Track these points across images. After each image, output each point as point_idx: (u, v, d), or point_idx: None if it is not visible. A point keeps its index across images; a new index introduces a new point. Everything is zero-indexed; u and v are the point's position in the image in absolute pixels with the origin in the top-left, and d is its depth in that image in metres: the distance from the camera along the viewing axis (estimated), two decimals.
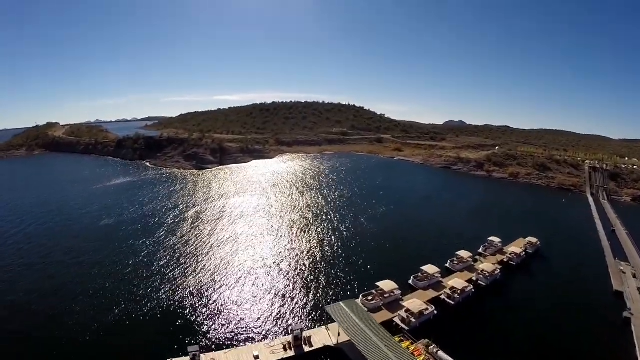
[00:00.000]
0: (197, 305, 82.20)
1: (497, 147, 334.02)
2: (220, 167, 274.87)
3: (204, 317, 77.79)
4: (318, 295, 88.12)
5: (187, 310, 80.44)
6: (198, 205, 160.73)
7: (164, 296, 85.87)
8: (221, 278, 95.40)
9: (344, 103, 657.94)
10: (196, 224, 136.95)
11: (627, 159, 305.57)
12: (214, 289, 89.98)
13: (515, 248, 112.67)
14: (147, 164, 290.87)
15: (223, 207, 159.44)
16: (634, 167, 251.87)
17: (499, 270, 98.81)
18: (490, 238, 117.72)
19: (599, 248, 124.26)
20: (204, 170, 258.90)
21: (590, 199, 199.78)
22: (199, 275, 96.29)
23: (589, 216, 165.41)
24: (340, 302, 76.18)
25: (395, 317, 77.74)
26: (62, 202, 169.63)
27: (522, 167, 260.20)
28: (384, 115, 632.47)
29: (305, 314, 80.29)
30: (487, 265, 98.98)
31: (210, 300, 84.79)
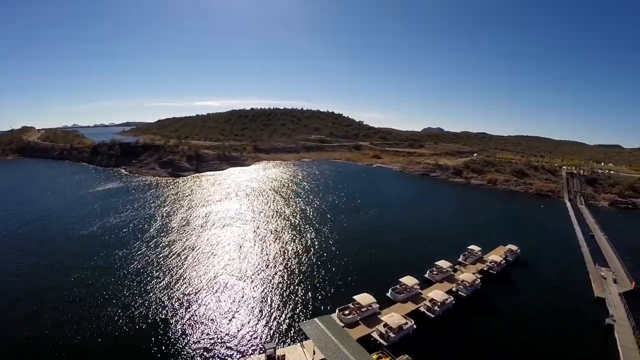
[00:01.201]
0: (163, 323, 77.11)
1: (475, 154, 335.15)
2: (196, 174, 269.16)
3: (170, 336, 72.80)
4: (293, 309, 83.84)
5: (153, 327, 75.40)
6: (169, 216, 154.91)
7: (132, 311, 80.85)
8: (190, 292, 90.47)
9: (323, 110, 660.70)
10: (167, 235, 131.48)
11: (603, 164, 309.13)
12: (182, 304, 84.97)
13: (495, 256, 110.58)
14: (123, 171, 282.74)
15: (194, 217, 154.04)
16: (611, 172, 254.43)
17: (479, 280, 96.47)
18: (470, 247, 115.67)
19: (578, 254, 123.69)
20: (180, 178, 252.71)
21: (568, 204, 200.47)
22: (167, 290, 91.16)
23: (567, 222, 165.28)
24: (316, 319, 72.83)
25: (373, 332, 74.12)
26: (36, 211, 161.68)
27: (500, 173, 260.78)
28: (363, 122, 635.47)
29: (280, 330, 75.88)
30: (467, 275, 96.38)
31: (177, 316, 79.77)
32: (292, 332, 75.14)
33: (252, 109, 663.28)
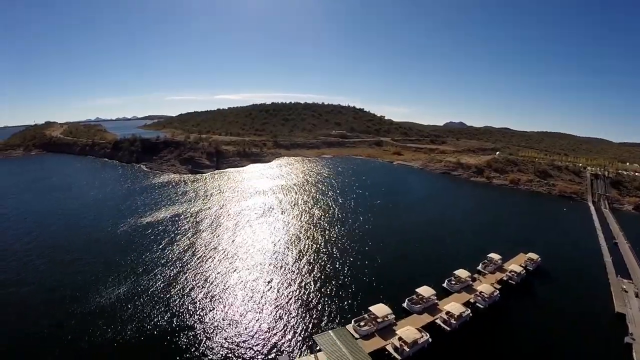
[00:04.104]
0: (177, 328, 78.85)
1: (497, 152, 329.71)
2: (216, 171, 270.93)
3: (182, 341, 74.40)
4: (308, 318, 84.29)
5: (166, 332, 77.39)
6: (190, 217, 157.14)
7: (147, 314, 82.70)
8: (204, 297, 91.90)
9: (344, 104, 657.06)
10: (187, 237, 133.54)
11: (628, 164, 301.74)
12: (196, 310, 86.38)
13: (515, 266, 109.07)
14: (143, 167, 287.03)
15: (211, 217, 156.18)
16: (636, 173, 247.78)
17: (497, 292, 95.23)
18: (490, 255, 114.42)
19: (601, 263, 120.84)
20: (200, 175, 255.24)
21: (592, 208, 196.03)
22: (183, 294, 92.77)
23: (590, 227, 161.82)
24: (330, 331, 73.07)
25: (388, 345, 74.23)
26: (59, 211, 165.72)
27: (523, 173, 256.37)
28: (384, 117, 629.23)
29: (293, 340, 76.41)
30: (485, 287, 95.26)
31: (191, 322, 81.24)
32: (305, 343, 75.53)
33: (272, 103, 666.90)
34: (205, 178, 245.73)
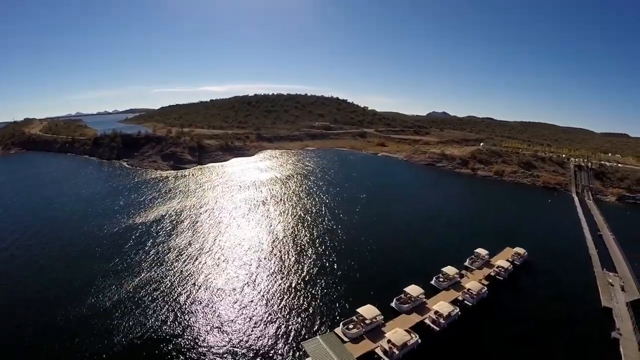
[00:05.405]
0: (160, 335, 76.50)
1: (481, 143, 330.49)
2: (199, 166, 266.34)
3: (167, 350, 72.00)
4: (296, 323, 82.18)
5: (150, 339, 75.02)
6: (172, 217, 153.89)
7: (133, 322, 79.78)
8: (189, 303, 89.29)
9: (327, 95, 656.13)
10: (165, 239, 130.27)
11: (610, 155, 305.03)
12: (182, 315, 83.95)
13: (502, 261, 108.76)
14: (124, 164, 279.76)
15: (194, 218, 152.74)
16: (619, 164, 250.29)
17: (485, 289, 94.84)
18: (477, 250, 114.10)
19: (586, 256, 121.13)
20: (182, 171, 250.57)
21: (576, 199, 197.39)
22: (168, 300, 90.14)
23: (575, 218, 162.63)
24: (318, 337, 71.68)
25: (377, 348, 72.92)
26: (43, 214, 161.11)
27: (507, 164, 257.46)
28: (367, 107, 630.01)
29: (281, 347, 74.33)
30: (473, 284, 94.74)
31: (175, 329, 78.87)
32: (294, 349, 73.59)
33: (255, 95, 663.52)
34: (188, 174, 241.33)
